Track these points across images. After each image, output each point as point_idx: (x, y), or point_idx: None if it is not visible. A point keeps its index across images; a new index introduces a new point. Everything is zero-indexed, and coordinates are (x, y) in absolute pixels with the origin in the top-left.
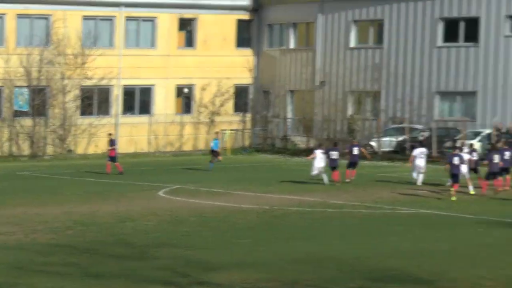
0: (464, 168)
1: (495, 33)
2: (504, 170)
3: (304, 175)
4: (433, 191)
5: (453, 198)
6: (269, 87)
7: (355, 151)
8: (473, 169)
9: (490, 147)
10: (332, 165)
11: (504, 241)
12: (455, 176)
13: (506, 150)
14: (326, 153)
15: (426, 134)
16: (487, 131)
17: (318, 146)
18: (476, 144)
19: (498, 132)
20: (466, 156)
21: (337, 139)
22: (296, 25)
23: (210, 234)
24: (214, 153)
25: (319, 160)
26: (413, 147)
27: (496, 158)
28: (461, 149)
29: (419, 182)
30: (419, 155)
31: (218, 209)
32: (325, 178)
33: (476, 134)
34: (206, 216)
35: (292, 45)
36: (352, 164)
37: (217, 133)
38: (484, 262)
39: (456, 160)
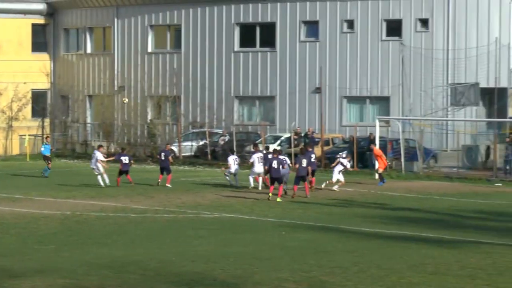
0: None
1: (291, 38)
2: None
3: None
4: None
5: (278, 199)
6: (68, 92)
7: (163, 156)
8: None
9: (300, 151)
10: (124, 169)
11: (307, 244)
12: (276, 179)
13: (312, 152)
14: (118, 158)
15: (226, 138)
16: (287, 135)
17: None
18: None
19: (297, 136)
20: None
21: (124, 145)
22: (92, 29)
23: (12, 241)
24: (46, 158)
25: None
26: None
27: (304, 163)
28: (280, 153)
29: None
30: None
31: (19, 215)
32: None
33: (276, 138)
34: (6, 223)
35: (89, 49)
36: (162, 169)
37: (47, 137)
38: (287, 265)
39: (275, 164)
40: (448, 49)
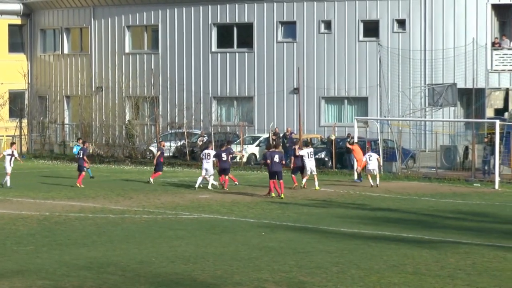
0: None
1: (268, 38)
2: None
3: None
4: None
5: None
6: (45, 93)
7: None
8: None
9: (269, 147)
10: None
11: (286, 244)
12: (275, 173)
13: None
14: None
15: (205, 139)
16: (265, 135)
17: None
18: (255, 148)
19: (276, 137)
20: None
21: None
22: (69, 30)
23: None
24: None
25: None
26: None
27: (277, 158)
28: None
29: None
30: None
31: None
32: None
33: (255, 138)
34: None
35: (66, 50)
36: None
37: (79, 139)
38: (267, 265)
39: (276, 158)
40: (426, 50)
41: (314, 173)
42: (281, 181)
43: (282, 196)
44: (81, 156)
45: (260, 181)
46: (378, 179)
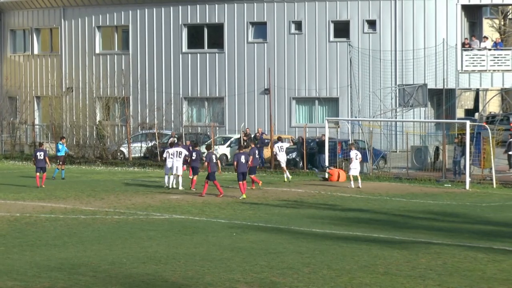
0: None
1: (238, 39)
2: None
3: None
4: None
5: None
6: (16, 93)
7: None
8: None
9: (238, 149)
10: (39, 165)
11: (258, 245)
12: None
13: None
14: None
15: (175, 139)
16: (236, 136)
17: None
18: (226, 149)
19: (247, 138)
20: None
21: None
22: (39, 30)
23: None
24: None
25: None
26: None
27: (243, 159)
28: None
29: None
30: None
31: None
32: None
33: (226, 139)
34: None
35: (36, 50)
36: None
37: (62, 138)
38: (238, 266)
39: (243, 159)
40: (396, 50)
41: (283, 165)
42: (244, 181)
43: (244, 196)
44: (42, 157)
45: (232, 182)
46: (360, 180)
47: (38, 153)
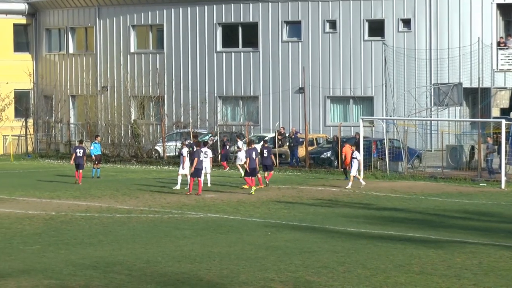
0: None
1: (273, 38)
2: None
3: (94, 180)
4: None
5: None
6: (51, 92)
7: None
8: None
9: (248, 145)
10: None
11: (292, 244)
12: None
13: (266, 148)
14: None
15: (215, 138)
16: (271, 135)
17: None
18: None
19: (282, 137)
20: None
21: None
22: (74, 29)
23: None
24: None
25: None
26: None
27: (254, 155)
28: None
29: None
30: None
31: (3, 215)
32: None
33: (260, 138)
34: None
35: (71, 49)
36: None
37: (96, 137)
38: (273, 265)
39: (254, 155)
40: (431, 49)
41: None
42: (253, 178)
43: (253, 192)
44: (81, 155)
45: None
46: (351, 182)
47: (78, 150)
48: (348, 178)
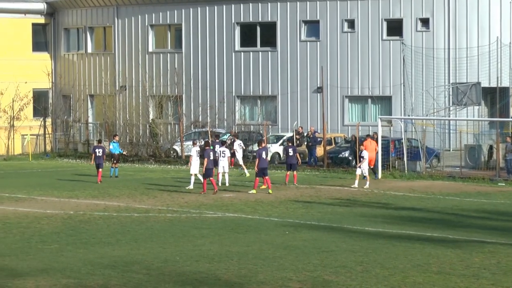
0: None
1: (291, 37)
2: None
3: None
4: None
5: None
6: (69, 91)
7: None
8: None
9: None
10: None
11: (310, 243)
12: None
13: (291, 147)
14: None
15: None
16: (289, 134)
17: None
18: (279, 147)
19: (300, 136)
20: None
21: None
22: (93, 29)
23: (15, 240)
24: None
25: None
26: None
27: (264, 155)
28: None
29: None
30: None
31: (22, 215)
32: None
33: (278, 137)
34: (9, 222)
35: (90, 49)
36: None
37: (115, 136)
38: (291, 264)
39: (264, 155)
40: (449, 49)
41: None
42: (267, 177)
43: (270, 191)
44: (101, 154)
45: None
46: (368, 182)
47: (97, 150)
48: (376, 176)
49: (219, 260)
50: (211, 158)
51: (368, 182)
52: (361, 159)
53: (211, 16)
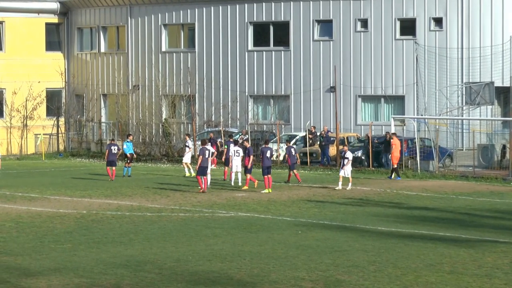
0: None
1: (304, 37)
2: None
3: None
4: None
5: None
6: (82, 91)
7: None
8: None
9: (264, 144)
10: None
11: (323, 243)
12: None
13: (291, 147)
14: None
15: (245, 137)
16: (302, 134)
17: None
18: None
19: (312, 135)
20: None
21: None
22: (106, 28)
23: (28, 239)
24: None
25: None
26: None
27: (268, 154)
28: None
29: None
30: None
31: (35, 214)
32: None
33: (291, 137)
34: (22, 222)
35: (103, 48)
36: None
37: (129, 135)
38: (303, 264)
39: (268, 153)
40: (463, 48)
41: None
42: (269, 176)
43: (269, 190)
44: (116, 151)
45: (293, 179)
46: (350, 183)
47: (112, 147)
48: (399, 176)
49: (231, 260)
50: (206, 156)
51: (350, 184)
52: (345, 160)
53: (224, 16)
